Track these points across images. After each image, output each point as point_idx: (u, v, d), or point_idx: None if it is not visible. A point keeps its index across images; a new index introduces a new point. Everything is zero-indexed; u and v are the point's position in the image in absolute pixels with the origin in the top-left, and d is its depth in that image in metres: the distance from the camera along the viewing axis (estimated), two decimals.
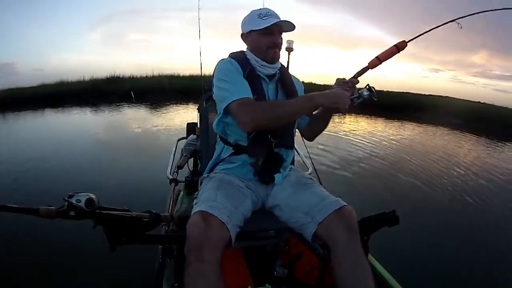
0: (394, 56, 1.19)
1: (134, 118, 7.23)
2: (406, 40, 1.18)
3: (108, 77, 11.05)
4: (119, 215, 0.89)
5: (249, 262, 1.13)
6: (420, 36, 1.23)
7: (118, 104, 8.58)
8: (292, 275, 1.16)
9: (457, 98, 13.64)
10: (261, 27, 1.08)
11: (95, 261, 1.73)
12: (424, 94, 13.60)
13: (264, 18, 1.09)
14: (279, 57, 1.18)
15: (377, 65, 1.18)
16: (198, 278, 0.81)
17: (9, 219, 2.09)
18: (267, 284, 1.00)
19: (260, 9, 1.13)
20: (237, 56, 1.16)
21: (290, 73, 1.29)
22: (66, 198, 0.82)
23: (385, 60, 1.18)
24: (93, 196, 0.84)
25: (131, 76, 11.49)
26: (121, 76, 11.26)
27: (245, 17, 1.17)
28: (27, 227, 2.04)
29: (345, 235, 0.92)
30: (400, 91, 12.93)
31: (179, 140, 2.32)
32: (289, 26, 1.13)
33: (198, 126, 1.70)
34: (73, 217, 0.82)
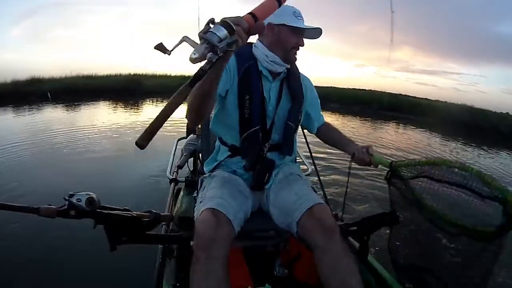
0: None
1: (43, 118, 6.84)
2: None
3: (29, 78, 10.88)
4: (119, 214, 0.89)
5: (249, 262, 1.13)
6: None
7: (39, 105, 8.30)
8: (292, 275, 1.16)
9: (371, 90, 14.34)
10: (298, 26, 1.04)
11: (95, 261, 1.73)
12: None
13: (299, 18, 1.05)
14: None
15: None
16: (208, 275, 0.80)
17: (8, 219, 2.09)
18: (267, 284, 1.00)
19: (293, 6, 1.07)
20: (240, 51, 1.04)
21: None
22: (66, 198, 0.82)
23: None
24: (93, 195, 0.84)
25: (51, 77, 11.55)
26: (41, 77, 11.29)
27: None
28: (27, 226, 2.03)
29: (320, 236, 0.89)
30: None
31: (179, 139, 2.31)
32: (314, 35, 1.10)
33: (199, 125, 1.69)
34: (73, 216, 0.82)
